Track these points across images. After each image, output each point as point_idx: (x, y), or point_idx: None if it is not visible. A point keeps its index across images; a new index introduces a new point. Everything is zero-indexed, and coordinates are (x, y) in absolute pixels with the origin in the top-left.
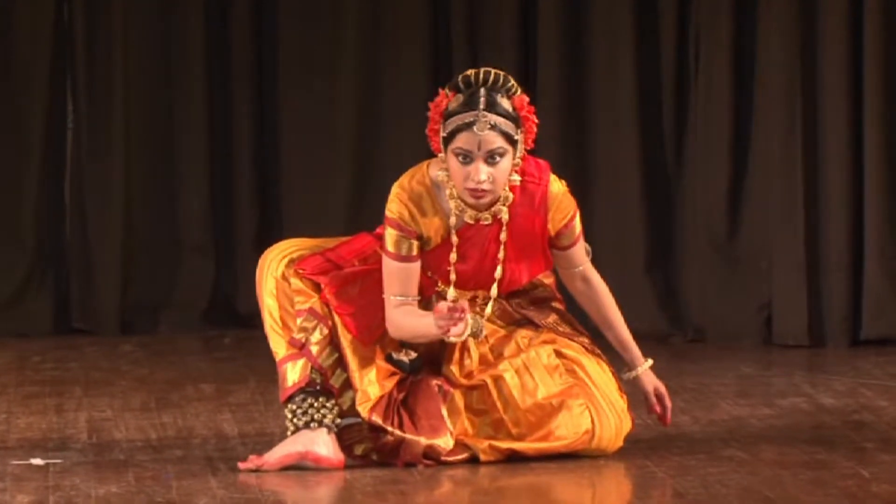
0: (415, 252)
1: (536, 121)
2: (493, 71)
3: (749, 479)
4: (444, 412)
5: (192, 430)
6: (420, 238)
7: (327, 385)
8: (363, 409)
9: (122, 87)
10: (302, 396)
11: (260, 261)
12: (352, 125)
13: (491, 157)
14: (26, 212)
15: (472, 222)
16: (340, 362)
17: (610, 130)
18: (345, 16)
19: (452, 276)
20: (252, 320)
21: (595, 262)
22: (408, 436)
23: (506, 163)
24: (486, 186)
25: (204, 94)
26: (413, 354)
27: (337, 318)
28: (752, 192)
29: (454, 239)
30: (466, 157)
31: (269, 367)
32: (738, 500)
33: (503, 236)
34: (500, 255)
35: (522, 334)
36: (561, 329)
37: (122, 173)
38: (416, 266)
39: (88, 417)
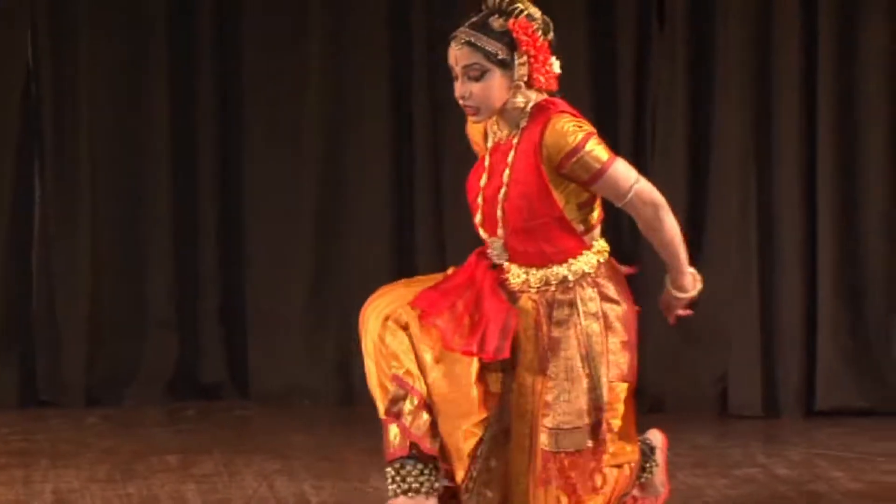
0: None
1: (544, 47)
2: None
3: None
4: None
5: (156, 501)
6: None
7: (425, 453)
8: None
9: (88, 165)
10: (400, 463)
11: (360, 317)
12: (313, 199)
13: (470, 73)
14: None
15: (501, 141)
16: (435, 426)
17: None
18: (308, 92)
19: (478, 199)
20: (216, 391)
21: None
22: None
23: (491, 81)
24: (467, 102)
25: (168, 172)
26: None
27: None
28: (707, 270)
29: (486, 159)
30: (453, 73)
31: (232, 438)
32: None
33: (510, 158)
34: (505, 176)
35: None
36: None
37: (88, 250)
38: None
39: (55, 488)
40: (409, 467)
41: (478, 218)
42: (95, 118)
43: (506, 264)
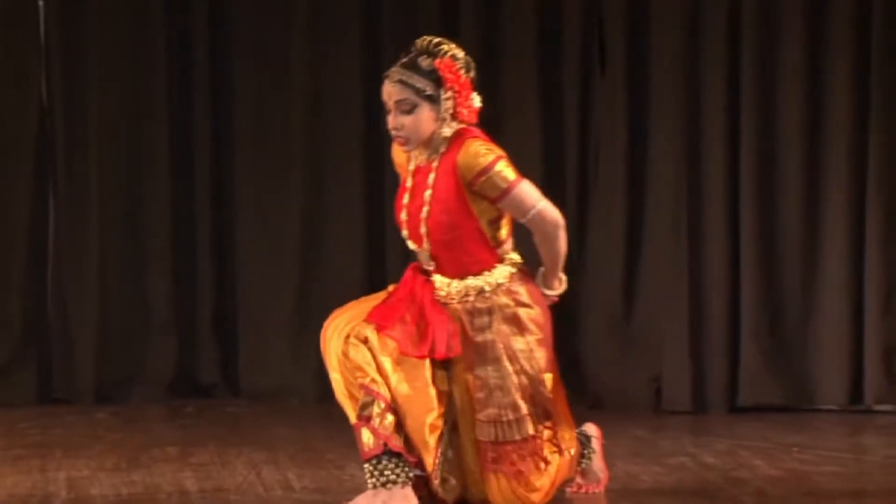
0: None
1: (466, 83)
2: (431, 38)
3: None
4: None
5: (158, 487)
6: None
7: (393, 448)
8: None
9: (96, 189)
10: (377, 459)
11: (321, 337)
12: (297, 221)
13: (401, 107)
14: (13, 297)
15: (421, 164)
16: (400, 425)
17: (520, 228)
18: (291, 140)
19: (403, 216)
20: (210, 391)
21: None
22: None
23: (421, 115)
24: (400, 133)
25: (168, 196)
26: None
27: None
28: (643, 282)
29: (408, 181)
30: (386, 107)
31: (225, 432)
32: None
33: (431, 180)
34: (427, 196)
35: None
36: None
37: (96, 265)
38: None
39: (67, 476)
40: (385, 462)
41: (404, 233)
42: (102, 149)
43: (433, 277)
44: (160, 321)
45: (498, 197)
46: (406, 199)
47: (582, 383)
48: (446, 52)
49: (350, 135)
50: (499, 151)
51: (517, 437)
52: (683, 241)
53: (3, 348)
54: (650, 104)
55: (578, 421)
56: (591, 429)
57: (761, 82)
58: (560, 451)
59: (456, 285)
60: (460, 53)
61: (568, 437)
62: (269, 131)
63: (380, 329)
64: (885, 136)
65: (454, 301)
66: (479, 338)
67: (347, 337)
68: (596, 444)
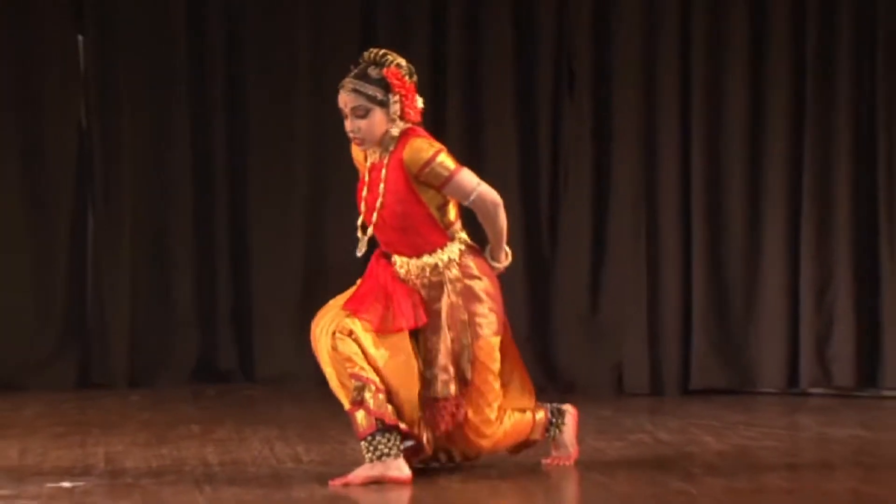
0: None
1: (411, 87)
2: (378, 50)
3: (605, 495)
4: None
5: (183, 460)
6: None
7: (388, 423)
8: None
9: (128, 204)
10: (371, 436)
11: (312, 337)
12: (302, 230)
13: (356, 113)
14: (58, 297)
15: (375, 161)
16: (390, 402)
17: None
18: (298, 157)
19: (362, 206)
20: (228, 376)
21: None
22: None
23: (374, 119)
24: (356, 136)
25: (191, 209)
26: None
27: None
28: (607, 280)
29: (365, 176)
30: (343, 113)
31: (241, 412)
32: None
33: (383, 174)
34: (381, 188)
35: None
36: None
37: (128, 268)
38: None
39: (105, 451)
40: (378, 437)
41: (360, 220)
42: (134, 165)
43: (394, 257)
44: (184, 316)
45: (442, 184)
46: (365, 192)
47: (554, 370)
48: (391, 62)
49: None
50: (439, 146)
51: (439, 396)
52: (642, 243)
53: (48, 341)
54: (612, 120)
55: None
56: (569, 407)
57: (709, 105)
58: (522, 410)
59: (414, 263)
60: (403, 62)
61: (528, 399)
62: (278, 150)
63: (354, 313)
64: (817, 156)
65: (413, 277)
66: (434, 307)
67: (334, 333)
68: (569, 419)
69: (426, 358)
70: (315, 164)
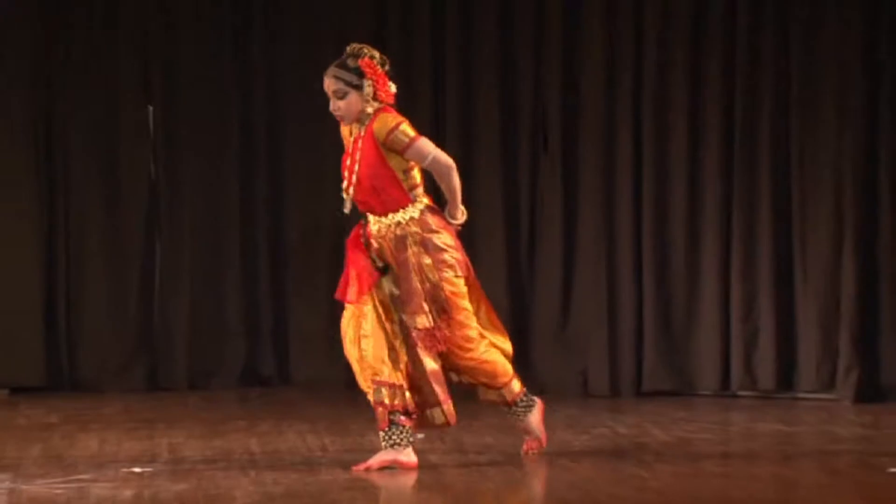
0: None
1: (382, 74)
2: (357, 45)
3: (572, 478)
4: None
5: (232, 449)
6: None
7: (400, 423)
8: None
9: (189, 232)
10: (388, 428)
11: (344, 349)
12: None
13: (337, 95)
14: (130, 313)
15: (355, 136)
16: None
17: (484, 257)
18: (325, 210)
19: (345, 174)
20: (269, 381)
21: None
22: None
23: (351, 99)
24: (338, 114)
25: (238, 239)
26: (381, 263)
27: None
28: (575, 300)
29: (350, 147)
30: (328, 95)
31: (283, 411)
32: (568, 491)
33: (360, 144)
34: (358, 156)
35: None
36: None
37: (189, 288)
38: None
39: (168, 443)
40: (393, 429)
41: (344, 184)
42: (193, 207)
43: (369, 217)
44: (233, 330)
45: (403, 149)
46: (348, 161)
47: (530, 374)
48: (366, 54)
49: None
50: (402, 118)
51: (419, 327)
52: (603, 271)
53: (123, 350)
54: (578, 171)
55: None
56: (537, 399)
57: (656, 160)
58: (497, 349)
59: (384, 220)
60: (377, 54)
61: (501, 340)
62: (311, 192)
63: (340, 298)
64: (743, 200)
65: (383, 233)
66: (401, 257)
67: (358, 340)
68: (537, 408)
69: (403, 301)
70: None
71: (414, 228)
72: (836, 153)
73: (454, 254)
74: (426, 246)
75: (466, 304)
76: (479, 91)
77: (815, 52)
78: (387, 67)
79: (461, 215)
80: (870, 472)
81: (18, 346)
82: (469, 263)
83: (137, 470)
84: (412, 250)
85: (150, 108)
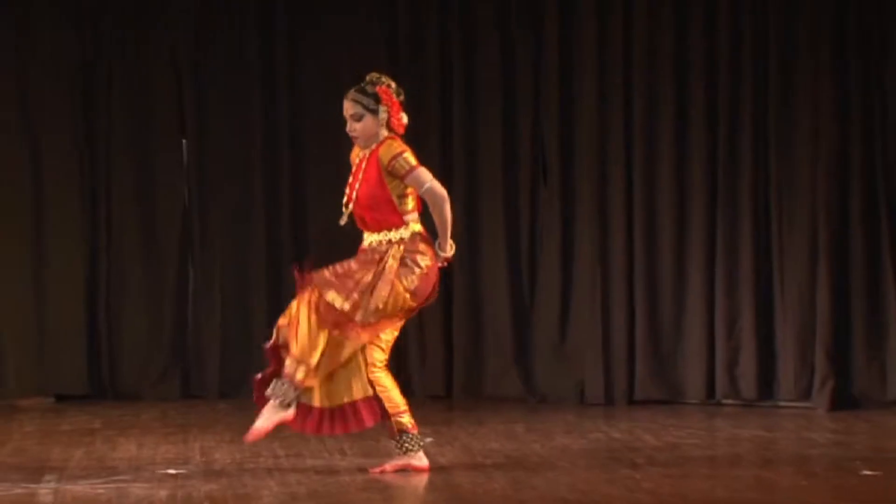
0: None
1: (397, 102)
2: (376, 74)
3: (571, 480)
4: None
5: (259, 452)
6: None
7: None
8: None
9: (219, 257)
10: (399, 438)
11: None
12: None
13: (354, 118)
14: (166, 328)
15: (361, 157)
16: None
17: (488, 279)
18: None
19: (347, 190)
20: None
21: (491, 349)
22: None
23: (366, 122)
24: (353, 135)
25: (265, 260)
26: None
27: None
28: (573, 318)
29: (356, 166)
30: (346, 117)
31: None
32: (567, 492)
33: (364, 165)
34: (361, 175)
35: None
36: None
37: (219, 303)
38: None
39: (201, 446)
40: (405, 437)
41: (345, 199)
42: (223, 229)
43: (364, 234)
44: (260, 341)
45: (404, 174)
46: (351, 180)
47: (532, 385)
48: (384, 82)
49: None
50: (406, 147)
51: (330, 301)
52: (598, 290)
53: (159, 362)
54: (575, 202)
55: (532, 410)
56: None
57: (646, 190)
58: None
59: (375, 236)
60: (393, 84)
61: (390, 330)
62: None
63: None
64: (726, 224)
65: (373, 247)
66: (380, 268)
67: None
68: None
69: (338, 275)
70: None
71: (398, 248)
72: (811, 184)
73: (423, 279)
74: (403, 262)
75: (393, 328)
76: (482, 126)
77: (790, 92)
78: (401, 98)
79: (450, 249)
80: (844, 474)
81: (63, 357)
82: (431, 298)
83: (172, 472)
84: (386, 265)
85: (184, 141)
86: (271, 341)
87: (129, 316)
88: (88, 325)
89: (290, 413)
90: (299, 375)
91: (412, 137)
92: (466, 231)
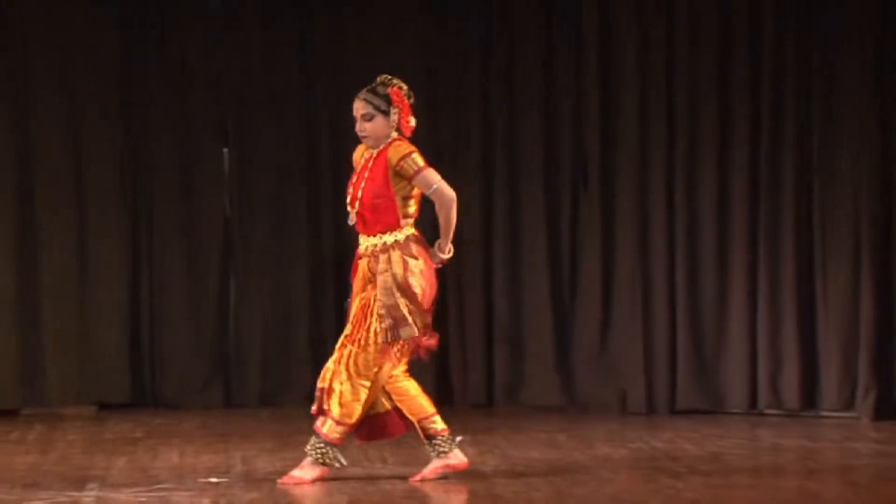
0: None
1: (407, 104)
2: (388, 76)
3: (613, 489)
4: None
5: (299, 461)
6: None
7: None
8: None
9: (261, 268)
10: (430, 442)
11: None
12: None
13: (365, 118)
14: (208, 339)
15: (367, 157)
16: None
17: (530, 288)
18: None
19: (349, 189)
20: None
21: (532, 357)
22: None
23: (377, 122)
24: (363, 135)
25: (306, 273)
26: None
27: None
28: (614, 327)
29: (359, 168)
30: (355, 117)
31: None
32: (608, 501)
33: (370, 165)
34: (366, 174)
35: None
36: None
37: (260, 318)
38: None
39: (241, 455)
40: (435, 441)
41: (349, 199)
42: (262, 238)
43: (360, 238)
44: (300, 354)
45: (412, 175)
46: (354, 178)
47: (573, 393)
48: (396, 84)
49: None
50: (414, 148)
51: (405, 338)
52: (639, 299)
53: (201, 371)
54: (615, 209)
55: (574, 420)
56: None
57: (688, 197)
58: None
59: (371, 240)
60: (405, 86)
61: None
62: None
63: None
64: (770, 226)
65: (369, 250)
66: (377, 274)
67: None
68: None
69: (381, 316)
70: None
71: (396, 253)
72: (854, 192)
73: (421, 282)
74: (407, 268)
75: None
76: (525, 135)
77: (833, 101)
78: (412, 101)
79: (448, 251)
80: (889, 484)
81: (106, 366)
82: (433, 299)
83: (214, 480)
84: (387, 273)
85: (225, 150)
86: (315, 407)
87: (172, 325)
88: (131, 333)
89: (327, 470)
90: (335, 436)
91: (453, 146)
92: (508, 239)
